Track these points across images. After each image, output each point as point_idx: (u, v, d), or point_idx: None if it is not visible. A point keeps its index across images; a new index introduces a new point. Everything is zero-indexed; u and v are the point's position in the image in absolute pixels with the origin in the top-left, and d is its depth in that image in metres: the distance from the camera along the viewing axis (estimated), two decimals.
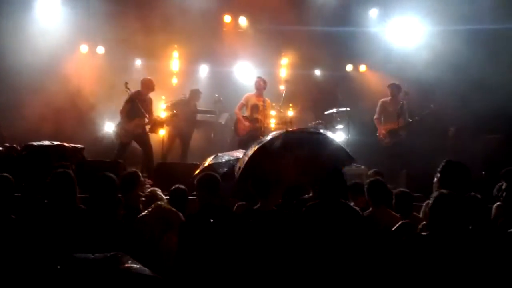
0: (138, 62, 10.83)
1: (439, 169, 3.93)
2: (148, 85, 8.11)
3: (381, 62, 10.32)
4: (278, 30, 10.20)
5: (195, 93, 9.30)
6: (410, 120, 8.45)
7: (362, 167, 7.70)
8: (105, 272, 2.65)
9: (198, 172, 5.10)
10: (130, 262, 2.75)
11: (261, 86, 8.68)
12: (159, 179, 6.62)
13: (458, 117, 9.00)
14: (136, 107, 7.89)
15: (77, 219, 3.70)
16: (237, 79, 10.91)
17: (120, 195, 4.34)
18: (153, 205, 4.24)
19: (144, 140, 8.10)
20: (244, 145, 8.27)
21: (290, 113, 9.74)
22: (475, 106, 8.62)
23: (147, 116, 7.97)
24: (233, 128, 9.00)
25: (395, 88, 8.58)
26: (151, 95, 8.29)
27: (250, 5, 10.30)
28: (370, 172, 6.33)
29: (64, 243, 3.45)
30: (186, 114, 9.03)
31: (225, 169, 5.19)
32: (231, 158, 5.39)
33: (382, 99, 8.78)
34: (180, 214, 4.23)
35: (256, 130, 8.53)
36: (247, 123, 8.62)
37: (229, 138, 9.75)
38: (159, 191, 4.60)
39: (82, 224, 3.64)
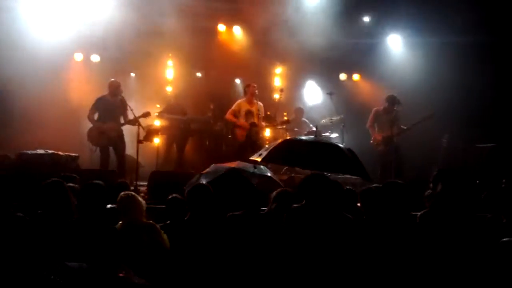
0: (133, 70, 10.82)
1: (431, 179, 3.96)
2: (110, 87, 8.21)
3: (374, 71, 10.38)
4: (272, 39, 10.25)
5: (180, 98, 9.40)
6: (404, 128, 8.53)
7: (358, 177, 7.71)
8: (99, 281, 2.65)
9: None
10: (124, 271, 2.75)
11: (252, 92, 8.74)
12: (154, 188, 6.60)
13: (451, 126, 9.08)
14: (104, 110, 8.06)
15: (68, 228, 3.69)
16: (231, 87, 10.95)
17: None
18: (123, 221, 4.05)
19: (119, 146, 8.15)
20: (244, 150, 8.32)
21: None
22: (467, 115, 8.71)
23: (123, 118, 8.11)
24: (230, 136, 9.00)
25: (391, 100, 8.64)
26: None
27: (244, 15, 10.36)
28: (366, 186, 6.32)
29: (55, 252, 3.44)
30: (175, 119, 9.19)
31: (211, 178, 5.17)
32: (222, 169, 5.39)
33: (375, 108, 8.86)
34: (156, 225, 4.10)
35: (255, 134, 8.61)
36: (245, 126, 8.62)
37: (224, 146, 9.76)
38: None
39: (74, 233, 3.63)
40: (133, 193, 4.28)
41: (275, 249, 3.97)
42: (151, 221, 4.11)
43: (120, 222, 4.07)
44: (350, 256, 3.84)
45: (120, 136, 8.22)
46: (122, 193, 4.23)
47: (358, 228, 4.08)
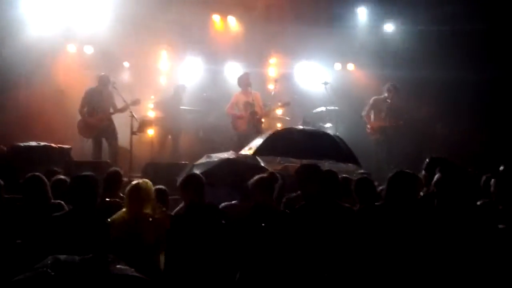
0: (126, 61, 10.74)
1: (424, 166, 3.97)
2: (99, 81, 8.40)
3: (369, 61, 10.35)
4: (267, 29, 10.20)
5: (180, 89, 9.36)
6: (401, 122, 8.56)
7: (350, 165, 7.72)
8: (92, 274, 2.63)
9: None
10: (116, 263, 2.73)
11: (247, 82, 8.70)
12: (148, 179, 6.56)
13: (445, 115, 9.10)
14: (93, 102, 8.25)
15: (58, 220, 3.67)
16: (225, 78, 10.89)
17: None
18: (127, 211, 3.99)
19: (110, 136, 8.28)
20: (245, 140, 8.25)
21: (279, 111, 9.77)
22: (461, 104, 8.72)
23: (112, 108, 8.31)
24: (232, 127, 8.96)
25: (390, 89, 8.65)
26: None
27: (239, 5, 10.29)
28: (356, 173, 6.33)
29: (47, 246, 3.41)
30: (173, 110, 9.15)
31: (204, 169, 5.14)
32: (215, 159, 5.36)
33: (374, 97, 8.87)
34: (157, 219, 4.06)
35: (257, 122, 8.63)
36: (245, 116, 8.61)
37: (219, 137, 9.74)
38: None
39: (65, 225, 3.60)
40: (148, 182, 4.20)
41: (271, 240, 3.96)
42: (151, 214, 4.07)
43: (124, 211, 4.01)
44: (347, 245, 3.83)
45: (111, 126, 8.32)
46: (135, 181, 4.15)
47: (355, 217, 4.08)
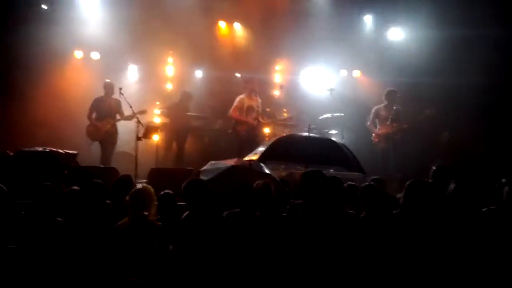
0: (132, 68, 10.80)
1: (431, 174, 3.96)
2: (105, 88, 8.70)
3: (374, 68, 10.33)
4: (272, 36, 10.22)
5: (186, 96, 9.39)
6: (405, 126, 8.52)
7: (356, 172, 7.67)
8: (96, 279, 2.63)
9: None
10: (119, 269, 2.74)
11: (253, 87, 8.68)
12: (153, 185, 6.56)
13: (452, 121, 9.05)
14: (100, 109, 8.61)
15: (65, 227, 3.68)
16: (231, 84, 10.90)
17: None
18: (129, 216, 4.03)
19: (110, 140, 8.61)
20: (245, 146, 8.25)
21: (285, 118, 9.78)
22: (467, 110, 8.68)
23: (119, 115, 8.65)
24: (230, 131, 8.95)
25: (390, 95, 8.64)
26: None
27: (245, 12, 10.33)
28: (369, 179, 6.28)
29: (53, 251, 3.42)
30: (179, 117, 9.25)
31: (210, 176, 5.15)
32: (221, 166, 5.37)
33: (375, 106, 8.86)
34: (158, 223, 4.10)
35: (256, 129, 8.65)
36: (250, 122, 8.59)
37: (224, 144, 9.74)
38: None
39: (71, 232, 3.61)
40: (150, 187, 4.22)
41: (275, 247, 3.94)
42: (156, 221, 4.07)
43: (127, 218, 4.02)
44: (353, 252, 3.81)
45: (114, 132, 8.66)
46: (140, 186, 4.19)
47: (359, 224, 4.06)
